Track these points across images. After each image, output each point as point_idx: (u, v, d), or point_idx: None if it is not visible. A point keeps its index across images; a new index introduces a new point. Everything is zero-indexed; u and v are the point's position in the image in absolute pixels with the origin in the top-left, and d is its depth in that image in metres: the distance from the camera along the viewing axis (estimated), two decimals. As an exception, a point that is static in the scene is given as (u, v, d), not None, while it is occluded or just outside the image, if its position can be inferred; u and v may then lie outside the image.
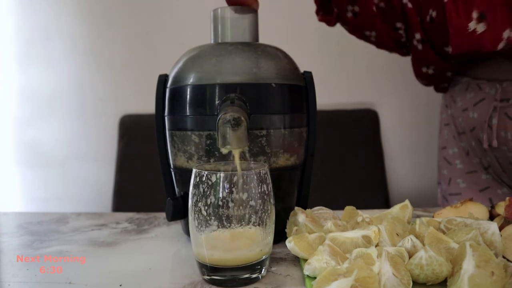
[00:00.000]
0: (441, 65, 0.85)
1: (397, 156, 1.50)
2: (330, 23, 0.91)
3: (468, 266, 0.37)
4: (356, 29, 0.90)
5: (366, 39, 0.91)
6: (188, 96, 0.53)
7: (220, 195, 0.42)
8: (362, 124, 1.46)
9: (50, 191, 1.59)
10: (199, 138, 0.52)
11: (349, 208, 0.57)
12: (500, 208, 0.55)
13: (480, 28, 0.66)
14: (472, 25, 0.66)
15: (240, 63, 0.52)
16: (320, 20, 0.92)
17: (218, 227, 0.42)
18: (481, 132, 0.81)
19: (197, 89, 0.52)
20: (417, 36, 0.83)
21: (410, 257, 0.42)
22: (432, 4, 0.78)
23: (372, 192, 1.40)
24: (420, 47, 0.84)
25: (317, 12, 0.92)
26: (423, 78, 0.90)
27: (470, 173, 0.86)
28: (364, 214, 0.54)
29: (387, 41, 0.88)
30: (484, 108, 0.80)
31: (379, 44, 0.91)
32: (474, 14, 0.65)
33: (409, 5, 0.81)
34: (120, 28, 1.52)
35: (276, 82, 0.52)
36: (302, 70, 0.58)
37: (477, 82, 0.82)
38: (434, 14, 0.76)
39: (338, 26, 0.97)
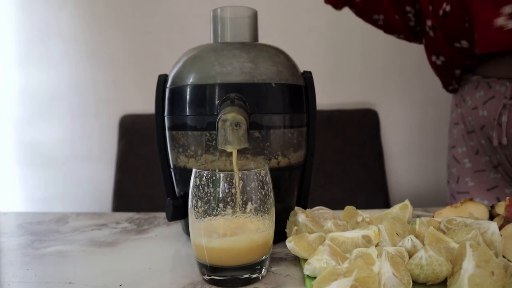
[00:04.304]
0: (452, 56, 0.84)
1: (397, 156, 1.50)
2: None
3: (468, 266, 0.37)
4: (364, 13, 0.90)
5: (374, 23, 0.91)
6: (188, 96, 0.53)
7: (220, 195, 0.42)
8: (362, 124, 1.46)
9: (50, 191, 1.59)
10: (199, 138, 0.52)
11: (349, 208, 0.57)
12: (500, 208, 0.55)
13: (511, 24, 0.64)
14: (500, 21, 0.64)
15: (240, 63, 0.52)
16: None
17: (218, 227, 0.42)
18: (491, 130, 0.81)
19: (197, 89, 0.52)
20: (429, 23, 0.82)
21: (410, 257, 0.42)
22: None
23: (372, 192, 1.40)
24: (431, 33, 0.83)
25: None
26: (432, 67, 0.90)
27: (478, 172, 0.86)
28: (364, 214, 0.54)
29: (395, 23, 0.88)
30: (494, 106, 0.80)
31: (387, 28, 0.91)
32: (507, 9, 0.64)
33: None
34: (120, 28, 1.52)
35: (276, 82, 0.52)
36: (302, 70, 0.58)
37: (487, 80, 0.82)
38: (447, 8, 0.75)
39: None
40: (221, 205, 0.42)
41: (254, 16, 0.57)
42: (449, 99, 1.47)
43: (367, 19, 0.91)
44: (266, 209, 0.43)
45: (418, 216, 0.67)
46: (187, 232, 0.58)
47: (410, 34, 0.90)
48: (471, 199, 0.59)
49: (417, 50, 1.45)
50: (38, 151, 1.58)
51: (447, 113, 1.49)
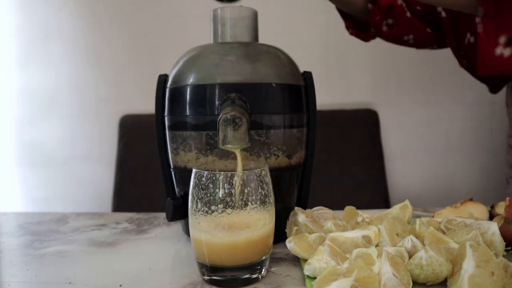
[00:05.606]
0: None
1: (397, 156, 1.50)
2: (366, 39, 0.93)
3: (468, 266, 0.37)
4: (393, 38, 0.91)
5: (405, 43, 0.92)
6: (188, 96, 0.53)
7: (220, 195, 0.42)
8: (362, 124, 1.46)
9: (50, 191, 1.59)
10: (199, 138, 0.52)
11: (349, 208, 0.57)
12: (500, 208, 0.55)
13: (507, 52, 0.68)
14: (499, 50, 0.68)
15: (240, 63, 0.52)
16: (352, 34, 0.95)
17: (218, 227, 0.42)
18: None
19: (197, 89, 0.52)
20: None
21: (410, 257, 0.42)
22: (469, 29, 0.77)
23: (372, 192, 1.39)
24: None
25: (347, 28, 0.94)
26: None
27: None
28: (364, 214, 0.54)
29: (427, 38, 0.89)
30: None
31: (419, 45, 0.92)
32: (502, 39, 0.68)
33: (443, 14, 0.81)
34: (120, 28, 1.52)
35: (276, 82, 0.52)
36: (302, 70, 0.58)
37: None
38: (472, 39, 0.78)
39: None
40: (221, 205, 0.42)
41: (254, 16, 0.57)
42: (449, 99, 1.48)
43: (397, 42, 0.92)
44: (266, 209, 0.43)
45: (418, 216, 0.67)
46: (187, 232, 0.58)
47: (444, 43, 0.91)
48: (471, 199, 0.59)
49: (417, 50, 1.45)
50: (38, 151, 1.58)
51: (447, 113, 1.49)
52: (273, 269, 0.48)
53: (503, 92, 0.98)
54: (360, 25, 0.93)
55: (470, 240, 0.44)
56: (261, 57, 0.53)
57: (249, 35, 0.57)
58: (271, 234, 0.45)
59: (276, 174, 0.52)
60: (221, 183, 0.42)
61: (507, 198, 0.54)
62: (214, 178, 0.42)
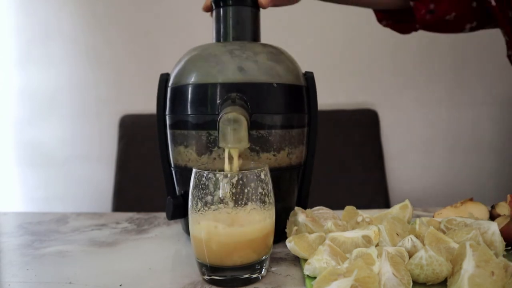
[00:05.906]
0: None
1: (397, 156, 1.50)
2: (405, 31, 0.87)
3: (468, 266, 0.37)
4: (435, 24, 0.84)
5: (444, 25, 0.84)
6: (189, 95, 0.53)
7: (220, 195, 0.42)
8: (362, 124, 1.46)
9: (50, 191, 1.59)
10: (200, 137, 0.52)
11: (349, 208, 0.57)
12: (500, 208, 0.55)
13: None
14: None
15: (242, 63, 0.52)
16: (387, 26, 0.88)
17: (218, 227, 0.42)
18: None
19: (199, 88, 0.52)
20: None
21: (410, 257, 0.42)
22: None
23: (372, 192, 1.39)
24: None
25: (380, 20, 0.88)
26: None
27: None
28: (364, 214, 0.54)
29: (469, 13, 0.82)
30: None
31: (459, 23, 0.84)
32: None
33: (493, 2, 0.75)
34: (120, 28, 1.52)
35: (278, 82, 0.52)
36: (303, 70, 0.58)
37: None
38: None
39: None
40: (221, 205, 0.42)
41: (256, 16, 0.57)
42: (449, 99, 1.48)
43: (437, 27, 0.85)
44: (266, 209, 0.43)
45: (418, 216, 0.67)
46: (187, 231, 0.58)
47: (485, 18, 0.83)
48: (471, 199, 0.59)
49: (418, 50, 1.45)
50: (38, 151, 1.58)
51: (446, 113, 1.49)
52: (273, 269, 0.48)
53: (501, 93, 0.97)
54: (395, 15, 0.86)
55: (470, 240, 0.44)
56: (262, 57, 0.53)
57: (250, 35, 0.57)
58: (271, 234, 0.45)
59: (276, 174, 0.52)
60: (221, 183, 0.42)
61: (508, 195, 0.54)
62: (214, 178, 0.42)
